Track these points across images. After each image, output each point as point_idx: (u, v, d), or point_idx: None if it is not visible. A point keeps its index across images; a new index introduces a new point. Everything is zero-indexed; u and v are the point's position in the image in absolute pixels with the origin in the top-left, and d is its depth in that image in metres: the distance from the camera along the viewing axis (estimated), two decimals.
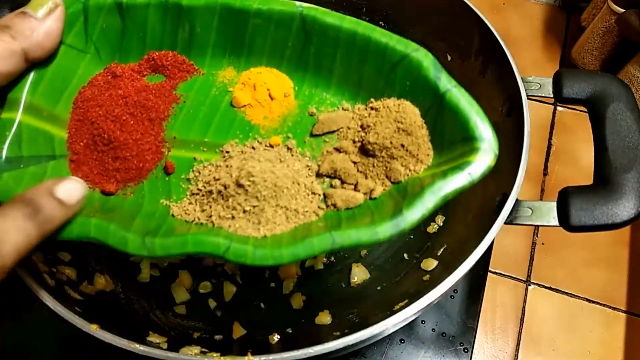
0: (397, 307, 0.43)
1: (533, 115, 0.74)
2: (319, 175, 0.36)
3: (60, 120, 0.36)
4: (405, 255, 0.55)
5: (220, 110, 0.38)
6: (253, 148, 0.37)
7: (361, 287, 0.54)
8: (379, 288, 0.53)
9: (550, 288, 0.63)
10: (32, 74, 0.34)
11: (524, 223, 0.42)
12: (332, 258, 0.56)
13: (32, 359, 0.55)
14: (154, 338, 0.42)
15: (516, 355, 0.60)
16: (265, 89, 0.38)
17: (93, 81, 0.38)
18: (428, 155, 0.34)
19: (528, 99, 0.47)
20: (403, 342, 0.55)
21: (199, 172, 0.36)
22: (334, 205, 0.34)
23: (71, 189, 0.26)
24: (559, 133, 0.74)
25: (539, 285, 0.63)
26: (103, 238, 0.32)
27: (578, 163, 0.72)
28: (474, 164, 0.32)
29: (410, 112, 0.34)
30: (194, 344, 0.42)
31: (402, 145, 0.33)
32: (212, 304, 0.52)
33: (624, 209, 0.40)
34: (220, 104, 0.39)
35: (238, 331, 0.48)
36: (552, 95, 0.47)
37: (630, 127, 0.42)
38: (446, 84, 0.34)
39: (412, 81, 0.35)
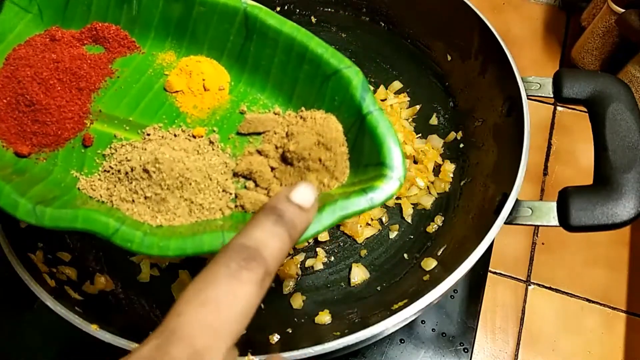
0: (396, 307, 0.43)
1: (533, 115, 0.74)
2: (235, 174, 0.35)
3: None
4: (405, 255, 0.55)
5: (152, 91, 0.38)
6: (175, 135, 0.36)
7: (361, 287, 0.54)
8: (379, 288, 0.53)
9: (550, 288, 0.63)
10: None
11: (524, 223, 0.42)
12: (332, 258, 0.56)
13: (32, 359, 0.55)
14: None
15: (516, 355, 0.60)
16: (200, 79, 0.38)
17: (30, 41, 0.37)
18: (344, 173, 0.34)
19: (528, 99, 0.47)
20: (403, 342, 0.55)
21: (116, 150, 0.36)
22: (242, 206, 0.34)
23: (304, 192, 0.27)
24: (559, 133, 0.74)
25: (539, 285, 0.63)
26: None
27: (578, 163, 0.72)
28: (378, 190, 0.31)
29: (334, 128, 0.34)
30: None
31: (320, 160, 0.33)
32: None
33: (624, 209, 0.40)
34: (153, 85, 0.38)
35: None
36: (552, 95, 0.47)
37: (630, 127, 0.42)
38: (369, 105, 0.34)
39: (340, 97, 0.35)
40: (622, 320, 0.61)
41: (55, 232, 0.49)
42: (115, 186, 0.34)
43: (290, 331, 0.49)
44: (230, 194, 0.34)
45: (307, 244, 0.55)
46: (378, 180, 0.32)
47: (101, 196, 0.34)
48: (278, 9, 0.67)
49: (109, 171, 0.35)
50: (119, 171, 0.34)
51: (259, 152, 0.35)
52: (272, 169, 0.35)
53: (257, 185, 0.35)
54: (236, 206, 0.34)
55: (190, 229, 0.32)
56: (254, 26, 0.37)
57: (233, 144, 0.37)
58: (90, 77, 0.37)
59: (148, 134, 0.36)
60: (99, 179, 0.35)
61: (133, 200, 0.33)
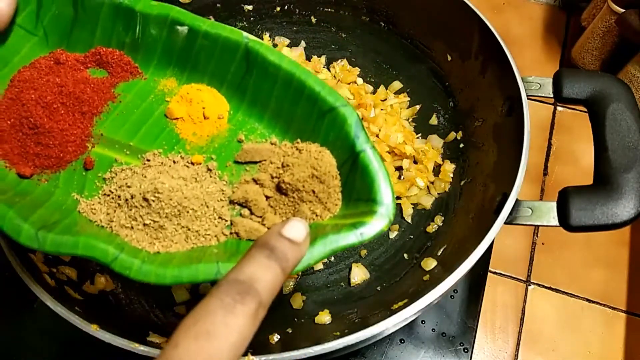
0: (396, 306, 0.43)
1: (533, 115, 0.74)
2: (231, 201, 0.36)
3: None
4: (405, 255, 0.55)
5: (153, 117, 0.39)
6: (174, 162, 0.37)
7: (361, 287, 0.54)
8: (379, 288, 0.53)
9: (550, 288, 0.63)
10: None
11: (524, 223, 0.42)
12: (332, 258, 0.56)
13: (32, 359, 0.55)
14: (154, 338, 0.43)
15: (516, 355, 0.60)
16: (200, 107, 0.38)
17: (35, 63, 0.38)
18: (336, 205, 0.35)
19: (528, 99, 0.47)
20: (403, 342, 0.55)
21: (116, 174, 0.36)
22: (237, 234, 0.35)
23: (296, 228, 0.28)
24: (559, 133, 0.74)
25: (539, 285, 0.63)
26: None
27: (578, 163, 0.72)
28: (368, 226, 0.32)
29: (327, 162, 0.35)
30: None
31: (313, 191, 0.34)
32: None
33: (624, 209, 0.40)
34: (154, 111, 0.39)
35: None
36: (552, 95, 0.47)
37: (630, 127, 0.42)
38: (363, 143, 0.35)
39: (335, 133, 0.36)
40: (622, 320, 0.61)
41: None
42: (115, 211, 0.34)
43: (290, 331, 0.49)
44: (226, 221, 0.35)
45: None
46: (368, 216, 0.32)
47: (101, 221, 0.34)
48: (278, 9, 0.67)
49: (109, 195, 0.35)
50: (119, 197, 0.35)
51: (255, 181, 0.36)
52: (267, 197, 0.36)
53: (252, 213, 0.35)
54: (231, 233, 0.35)
55: (187, 255, 0.33)
56: (255, 61, 0.38)
57: (230, 171, 0.37)
58: (93, 102, 0.38)
59: (148, 160, 0.37)
60: (99, 203, 0.35)
61: (132, 227, 0.34)
